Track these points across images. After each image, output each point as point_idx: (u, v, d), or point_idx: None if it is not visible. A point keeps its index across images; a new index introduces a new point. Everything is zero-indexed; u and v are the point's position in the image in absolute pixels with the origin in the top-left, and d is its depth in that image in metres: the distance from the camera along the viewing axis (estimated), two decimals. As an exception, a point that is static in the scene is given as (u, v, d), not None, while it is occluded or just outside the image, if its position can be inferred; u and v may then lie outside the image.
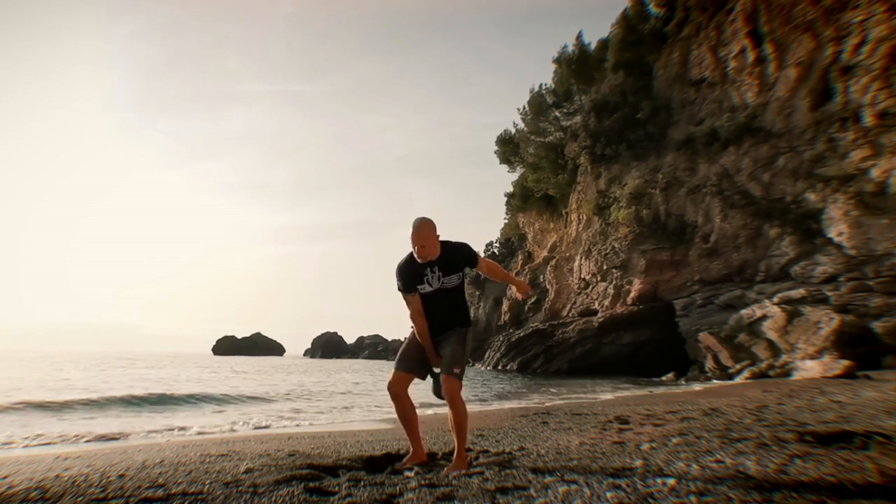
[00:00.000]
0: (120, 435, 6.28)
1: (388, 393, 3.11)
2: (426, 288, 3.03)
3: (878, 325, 14.52)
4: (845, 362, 11.99)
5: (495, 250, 43.95)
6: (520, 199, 36.35)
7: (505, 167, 36.91)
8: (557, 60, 32.33)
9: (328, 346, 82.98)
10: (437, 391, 3.00)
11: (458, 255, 3.06)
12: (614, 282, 24.12)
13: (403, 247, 3.00)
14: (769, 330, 16.65)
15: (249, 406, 10.27)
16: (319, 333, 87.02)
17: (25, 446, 5.52)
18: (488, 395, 12.17)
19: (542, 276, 32.86)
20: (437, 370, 3.08)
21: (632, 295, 22.97)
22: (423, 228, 2.93)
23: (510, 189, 38.13)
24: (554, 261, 30.95)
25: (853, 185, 16.99)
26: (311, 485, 2.45)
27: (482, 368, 26.43)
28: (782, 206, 19.29)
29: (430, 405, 8.53)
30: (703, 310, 20.13)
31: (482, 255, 3.32)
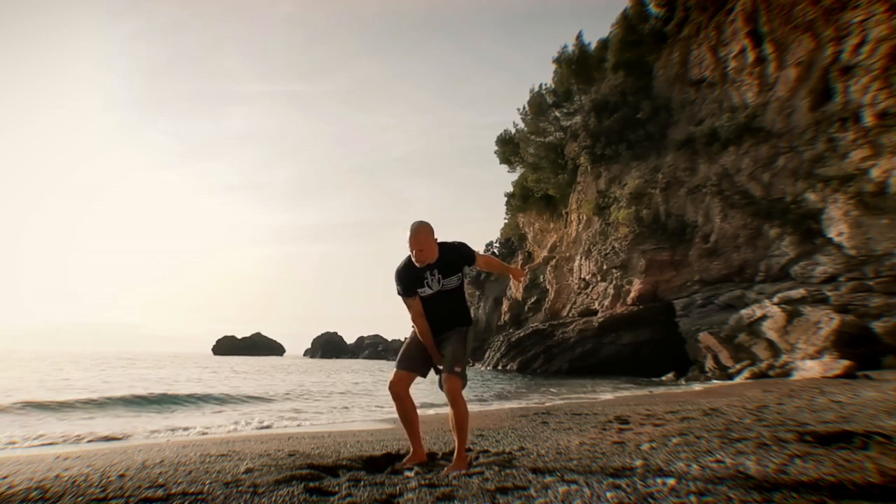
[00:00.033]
0: (122, 435, 6.28)
1: (388, 393, 3.12)
2: (426, 291, 3.03)
3: (878, 325, 14.52)
4: (845, 362, 11.99)
5: (495, 250, 43.95)
6: (520, 199, 36.34)
7: (505, 167, 36.94)
8: (557, 60, 32.33)
9: (328, 347, 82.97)
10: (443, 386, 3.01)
11: (456, 256, 3.06)
12: (614, 282, 24.11)
13: (403, 247, 2.99)
14: (769, 330, 16.65)
15: (249, 406, 10.27)
16: (319, 333, 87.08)
17: (27, 446, 5.52)
18: (488, 395, 12.17)
19: (542, 276, 32.86)
20: (440, 367, 3.09)
21: (632, 295, 22.97)
22: (421, 232, 2.92)
23: (510, 189, 38.17)
24: (554, 261, 30.94)
25: (853, 185, 16.99)
26: (311, 485, 2.45)
27: (482, 368, 26.43)
28: (782, 206, 19.29)
29: (431, 405, 8.54)
30: (703, 310, 20.13)
31: (482, 261, 3.31)
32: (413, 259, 2.96)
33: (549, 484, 2.33)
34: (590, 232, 27.26)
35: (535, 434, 4.41)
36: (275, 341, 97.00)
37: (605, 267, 24.92)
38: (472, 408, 7.71)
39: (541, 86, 33.81)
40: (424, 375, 3.18)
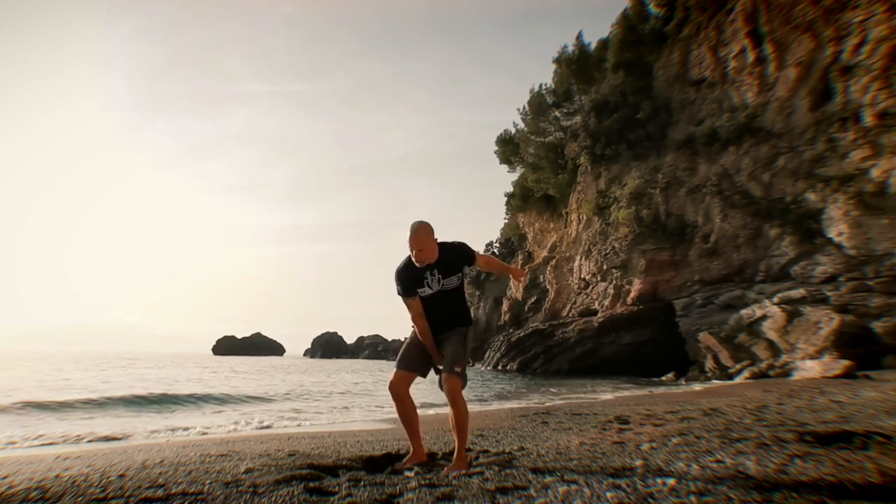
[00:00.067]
0: (122, 435, 6.28)
1: (388, 393, 3.12)
2: (426, 291, 3.03)
3: (878, 325, 14.52)
4: (845, 362, 11.99)
5: (495, 250, 43.96)
6: (520, 199, 36.34)
7: (505, 167, 36.93)
8: (557, 60, 32.33)
9: (328, 346, 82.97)
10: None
11: (456, 256, 3.06)
12: (614, 282, 24.11)
13: (403, 247, 2.99)
14: (769, 330, 16.65)
15: (249, 406, 10.27)
16: (319, 333, 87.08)
17: (27, 446, 5.52)
18: (488, 395, 12.17)
19: (542, 276, 32.86)
20: (440, 367, 3.09)
21: (632, 295, 22.97)
22: (421, 232, 2.91)
23: (510, 189, 38.17)
24: (554, 261, 30.94)
25: (853, 185, 16.99)
26: (311, 485, 2.45)
27: (482, 368, 26.43)
28: (782, 206, 19.29)
29: (431, 405, 8.54)
30: (703, 310, 20.13)
31: (481, 261, 3.31)
32: (413, 259, 2.96)
33: (549, 484, 2.33)
34: (590, 232, 27.26)
35: (535, 434, 4.41)
36: (275, 341, 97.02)
37: (605, 267, 24.92)
38: (472, 408, 7.71)
39: (541, 86, 33.85)
40: (424, 375, 3.18)
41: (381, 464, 3.17)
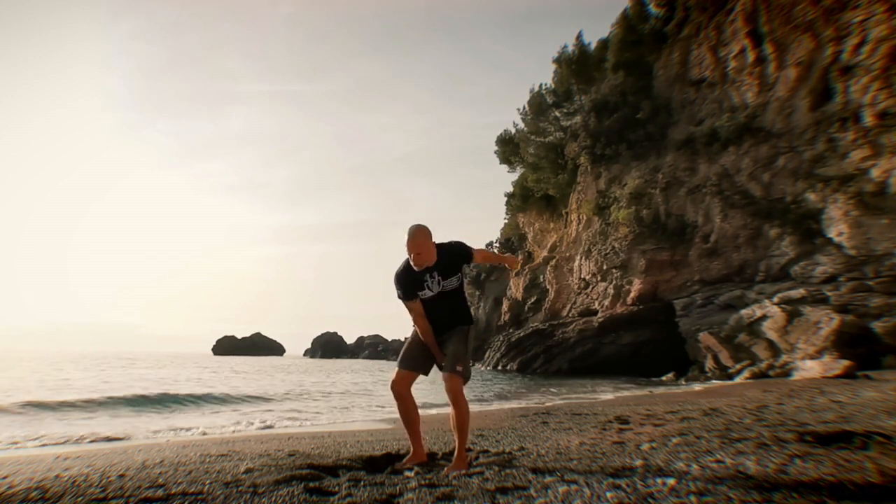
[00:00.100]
0: (122, 435, 6.28)
1: (389, 392, 3.12)
2: (427, 293, 3.03)
3: (878, 325, 14.52)
4: (845, 362, 11.99)
5: (495, 250, 43.98)
6: (520, 199, 36.35)
7: (505, 167, 36.95)
8: (557, 60, 32.33)
9: (328, 346, 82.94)
10: None
11: (454, 256, 3.06)
12: (614, 282, 24.11)
13: (403, 248, 2.98)
14: (769, 330, 16.65)
15: (249, 406, 10.28)
16: (319, 333, 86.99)
17: (27, 446, 5.51)
18: (488, 395, 12.17)
19: (542, 276, 32.86)
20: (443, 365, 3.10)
21: (632, 295, 22.97)
22: (419, 236, 2.90)
23: (510, 189, 38.18)
24: (554, 261, 30.94)
25: (853, 185, 16.99)
26: (311, 485, 2.45)
27: (482, 368, 26.43)
28: (782, 206, 19.29)
29: (432, 405, 8.54)
30: (703, 310, 20.13)
31: (479, 256, 3.30)
32: (411, 263, 2.96)
33: (549, 484, 2.33)
34: (590, 232, 27.26)
35: (535, 434, 4.41)
36: (275, 341, 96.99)
37: (605, 267, 24.92)
38: (472, 408, 7.71)
39: (541, 86, 33.85)
40: (427, 374, 3.19)
41: (381, 464, 3.17)
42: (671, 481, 2.26)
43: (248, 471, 2.79)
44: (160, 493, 2.32)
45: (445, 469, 2.83)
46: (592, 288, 26.12)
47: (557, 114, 33.30)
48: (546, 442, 3.83)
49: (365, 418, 8.09)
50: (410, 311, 3.10)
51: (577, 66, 31.37)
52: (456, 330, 3.10)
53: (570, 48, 31.99)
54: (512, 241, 42.13)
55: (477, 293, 41.29)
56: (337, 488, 2.39)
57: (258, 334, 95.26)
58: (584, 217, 28.31)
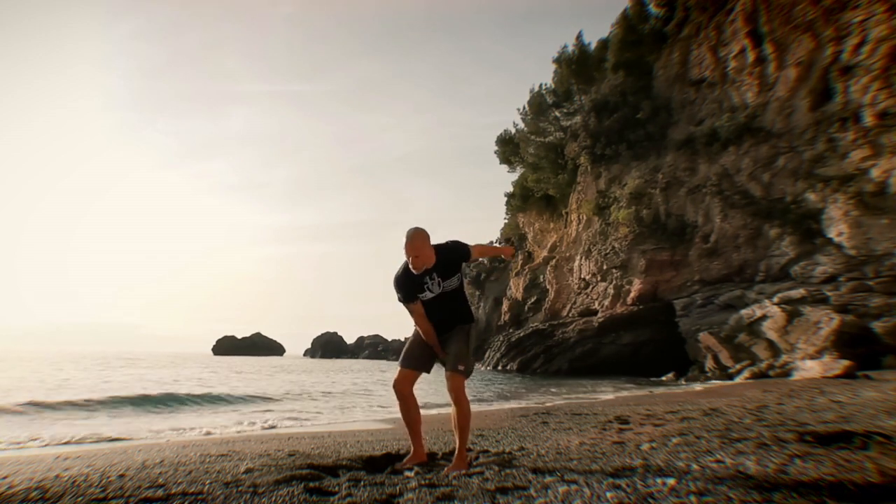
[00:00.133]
0: (121, 436, 6.28)
1: (389, 392, 3.13)
2: (428, 295, 3.03)
3: (878, 325, 14.52)
4: (845, 362, 11.99)
5: (495, 249, 43.95)
6: (520, 199, 36.35)
7: (505, 167, 36.96)
8: (557, 60, 32.33)
9: (328, 346, 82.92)
10: None
11: (453, 256, 3.06)
12: (614, 282, 24.11)
13: (402, 248, 2.98)
14: (769, 330, 16.65)
15: (250, 406, 10.28)
16: (319, 333, 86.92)
17: (27, 447, 5.51)
18: (488, 395, 12.17)
19: (542, 276, 32.85)
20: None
21: (632, 295, 22.97)
22: (417, 239, 2.89)
23: (510, 189, 38.18)
24: (554, 261, 30.94)
25: (853, 185, 16.99)
26: (311, 485, 2.45)
27: (482, 368, 26.43)
28: (782, 206, 19.29)
29: (433, 405, 8.55)
30: (703, 310, 20.13)
31: (476, 252, 3.30)
32: (410, 266, 2.95)
33: (549, 484, 2.33)
34: (590, 232, 27.26)
35: (535, 434, 4.41)
36: (275, 341, 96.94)
37: (605, 267, 24.92)
38: (472, 408, 7.71)
39: (541, 86, 33.85)
40: (429, 371, 3.20)
41: (381, 464, 3.18)
42: (671, 481, 2.26)
43: (248, 471, 2.79)
44: (160, 493, 2.32)
45: (445, 469, 2.83)
46: (592, 288, 26.12)
47: (557, 114, 33.30)
48: (546, 442, 3.83)
49: (365, 418, 8.09)
50: (412, 313, 3.10)
51: (577, 66, 31.37)
52: (457, 329, 3.10)
53: (570, 48, 32.01)
54: (512, 241, 42.11)
55: (477, 293, 41.28)
56: (337, 488, 2.39)
57: (258, 334, 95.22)
58: (584, 217, 28.32)
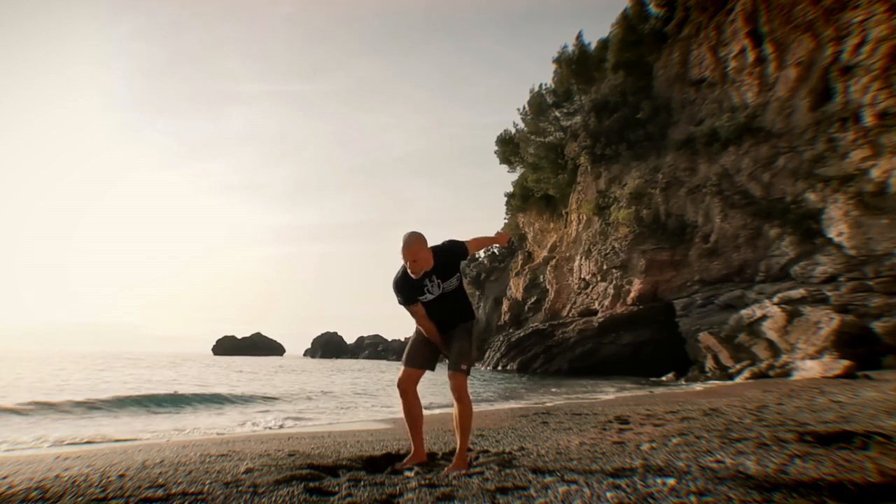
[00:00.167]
0: (121, 435, 6.28)
1: (387, 392, 3.14)
2: (428, 297, 3.03)
3: (878, 325, 14.52)
4: (845, 362, 11.99)
5: (495, 250, 43.95)
6: (520, 199, 36.36)
7: (505, 167, 36.98)
8: (557, 60, 32.34)
9: (328, 346, 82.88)
10: None
11: (451, 256, 3.06)
12: (614, 282, 24.12)
13: (400, 253, 2.98)
14: (769, 330, 16.65)
15: (250, 406, 10.28)
16: (319, 333, 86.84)
17: (28, 447, 5.51)
18: (488, 395, 12.17)
19: (542, 276, 32.86)
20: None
21: (632, 295, 22.97)
22: (414, 244, 2.89)
23: (510, 189, 38.18)
24: (554, 261, 30.95)
25: (853, 185, 16.99)
26: (311, 485, 2.45)
27: (482, 368, 26.44)
28: (782, 206, 19.29)
29: (434, 405, 8.55)
30: (703, 310, 20.13)
31: (472, 247, 3.28)
32: (408, 270, 2.95)
33: (549, 484, 2.33)
34: (590, 232, 27.26)
35: (535, 434, 4.41)
36: (275, 341, 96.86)
37: (605, 267, 24.92)
38: (473, 408, 7.70)
39: (541, 86, 33.86)
40: (433, 369, 3.21)
41: (381, 464, 3.18)
42: (671, 481, 2.26)
43: (248, 471, 2.79)
44: (160, 493, 2.32)
45: (445, 469, 2.83)
46: (592, 288, 26.12)
47: (557, 114, 33.30)
48: (546, 442, 3.83)
49: (365, 418, 8.09)
50: (413, 314, 3.10)
51: (577, 66, 31.38)
52: (459, 328, 3.11)
53: (570, 48, 32.02)
54: (512, 240, 42.13)
55: (477, 293, 41.28)
56: (337, 488, 2.39)
57: (258, 334, 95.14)
58: (584, 217, 28.32)
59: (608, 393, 12.18)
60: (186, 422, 7.80)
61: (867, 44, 17.00)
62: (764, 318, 17.05)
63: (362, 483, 2.50)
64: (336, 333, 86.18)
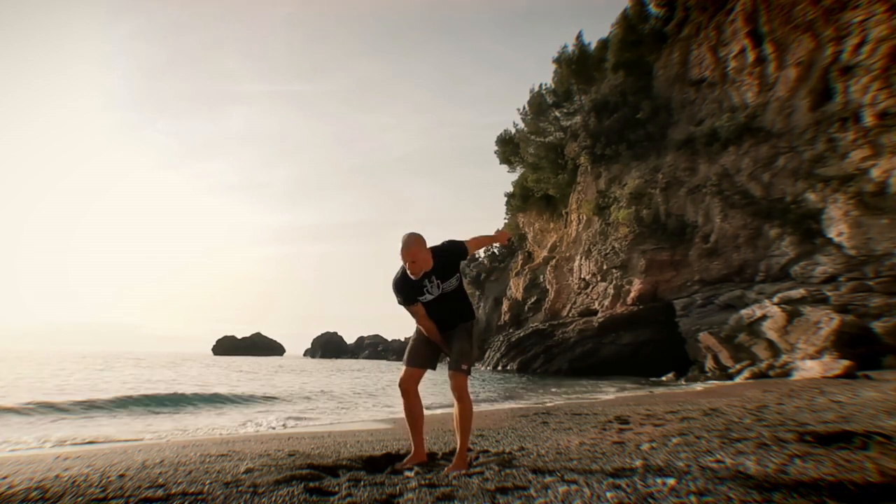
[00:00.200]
0: (120, 435, 6.28)
1: (387, 392, 3.14)
2: (427, 297, 3.03)
3: (878, 325, 14.52)
4: (845, 362, 11.99)
5: (495, 250, 43.97)
6: (520, 199, 36.37)
7: (505, 167, 36.99)
8: (557, 60, 32.34)
9: (328, 346, 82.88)
10: None
11: (451, 257, 3.05)
12: (614, 282, 24.12)
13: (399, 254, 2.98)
14: (769, 330, 16.65)
15: (251, 406, 10.28)
16: (319, 333, 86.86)
17: (28, 447, 5.51)
18: (488, 395, 12.17)
19: (542, 276, 32.86)
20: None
21: (632, 295, 22.97)
22: (413, 244, 2.88)
23: (510, 189, 38.19)
24: (554, 261, 30.94)
25: (853, 185, 16.99)
26: (311, 485, 2.45)
27: (482, 368, 26.44)
28: (782, 206, 19.29)
29: (437, 406, 8.55)
30: (703, 310, 20.13)
31: (472, 246, 3.27)
32: (407, 271, 2.94)
33: (549, 484, 2.33)
34: (590, 232, 27.26)
35: (535, 434, 4.41)
36: (275, 341, 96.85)
37: (605, 267, 24.92)
38: (473, 407, 7.69)
39: (541, 86, 33.87)
40: (434, 368, 3.22)
41: (381, 464, 3.18)
42: (671, 481, 2.26)
43: (248, 471, 2.79)
44: (160, 493, 2.32)
45: (445, 469, 2.83)
46: (592, 288, 26.12)
47: (557, 114, 33.30)
48: (546, 442, 3.83)
49: (365, 418, 8.09)
50: (413, 314, 3.10)
51: (577, 66, 31.38)
52: (459, 327, 3.11)
53: (570, 48, 32.02)
54: (512, 240, 42.12)
55: (477, 293, 41.28)
56: (337, 488, 2.39)
57: (258, 334, 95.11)
58: (584, 217, 28.32)
59: (608, 393, 12.18)
60: (187, 422, 7.80)
61: (867, 44, 17.00)
62: (764, 318, 17.05)
63: (362, 483, 2.50)
64: (336, 333, 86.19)
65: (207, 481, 2.54)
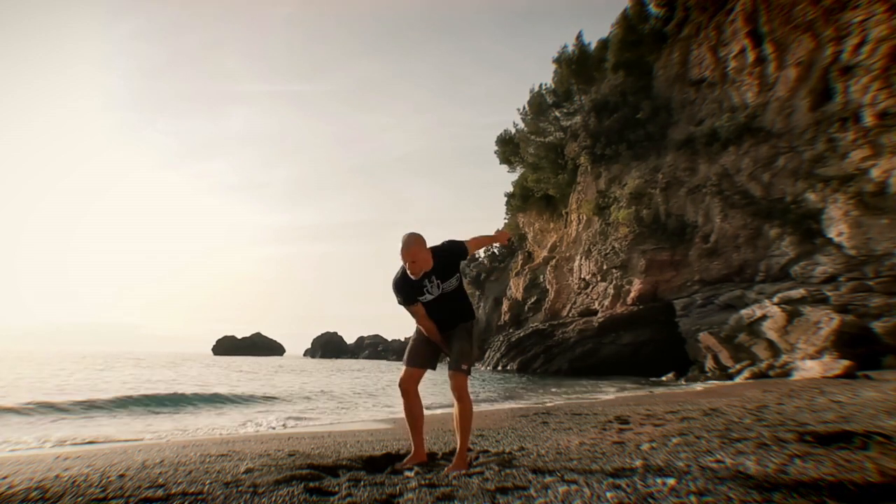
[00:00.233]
0: (120, 436, 6.28)
1: (387, 393, 3.14)
2: (427, 297, 3.03)
3: (878, 325, 14.52)
4: (845, 362, 11.99)
5: (495, 250, 43.97)
6: (520, 199, 36.37)
7: (505, 167, 36.98)
8: (557, 60, 32.34)
9: (328, 346, 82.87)
10: None
11: (451, 257, 3.05)
12: (614, 282, 24.11)
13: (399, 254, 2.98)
14: (769, 330, 16.65)
15: (251, 406, 10.28)
16: (319, 333, 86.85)
17: (28, 447, 5.51)
18: (488, 395, 12.17)
19: (542, 276, 32.85)
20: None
21: (632, 295, 22.97)
22: (413, 244, 2.88)
23: (510, 189, 38.19)
24: (554, 261, 30.94)
25: (853, 185, 16.99)
26: (311, 485, 2.45)
27: (482, 368, 26.44)
28: (782, 206, 19.29)
29: (437, 406, 8.55)
30: (703, 310, 20.13)
31: (472, 246, 3.27)
32: (407, 271, 2.94)
33: (549, 484, 2.33)
34: (590, 232, 27.26)
35: (535, 434, 4.41)
36: (275, 341, 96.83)
37: (605, 267, 24.92)
38: (473, 407, 7.69)
39: (541, 86, 33.86)
40: (434, 368, 3.22)
41: (381, 464, 3.18)
42: (671, 481, 2.26)
43: (248, 471, 2.79)
44: (160, 493, 2.32)
45: (445, 469, 2.83)
46: (592, 288, 26.12)
47: (557, 114, 33.30)
48: (546, 442, 3.83)
49: (365, 418, 8.09)
50: (413, 314, 3.10)
51: (577, 66, 31.38)
52: (459, 327, 3.11)
53: (570, 48, 32.02)
54: (512, 240, 42.11)
55: (477, 293, 41.28)
56: (337, 488, 2.39)
57: (258, 334, 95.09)
58: (584, 217, 28.32)
59: (608, 393, 12.18)
60: (187, 422, 7.80)
61: (867, 44, 17.00)
62: (764, 318, 17.05)
63: (362, 483, 2.50)
64: (336, 333, 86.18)
65: (207, 481, 2.54)
